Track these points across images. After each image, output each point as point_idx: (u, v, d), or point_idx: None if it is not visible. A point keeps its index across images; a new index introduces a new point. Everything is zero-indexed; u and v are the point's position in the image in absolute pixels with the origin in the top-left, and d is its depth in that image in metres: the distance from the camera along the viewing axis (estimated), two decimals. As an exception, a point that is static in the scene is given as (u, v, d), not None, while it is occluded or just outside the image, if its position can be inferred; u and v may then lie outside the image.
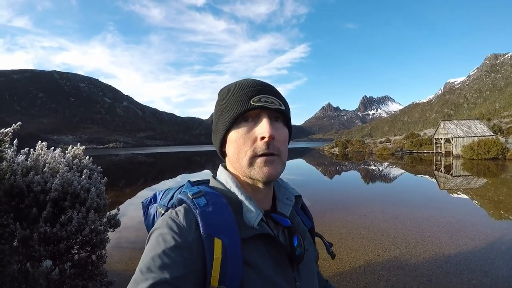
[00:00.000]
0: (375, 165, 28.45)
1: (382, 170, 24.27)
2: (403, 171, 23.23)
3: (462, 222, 8.20)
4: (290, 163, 33.75)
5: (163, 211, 0.83)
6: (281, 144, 0.80)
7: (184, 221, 0.70)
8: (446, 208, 10.11)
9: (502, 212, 9.53)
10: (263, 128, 0.76)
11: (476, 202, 11.24)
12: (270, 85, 0.85)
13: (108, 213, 3.55)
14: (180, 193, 0.83)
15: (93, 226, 2.92)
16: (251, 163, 0.78)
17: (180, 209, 0.74)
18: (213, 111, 0.90)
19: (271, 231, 0.79)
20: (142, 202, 1.00)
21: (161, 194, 0.96)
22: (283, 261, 0.79)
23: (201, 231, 0.68)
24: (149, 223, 0.93)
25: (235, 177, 0.84)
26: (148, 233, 0.79)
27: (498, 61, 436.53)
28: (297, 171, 24.61)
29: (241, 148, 0.78)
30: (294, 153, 56.63)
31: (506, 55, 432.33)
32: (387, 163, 30.70)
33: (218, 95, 0.89)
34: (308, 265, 0.89)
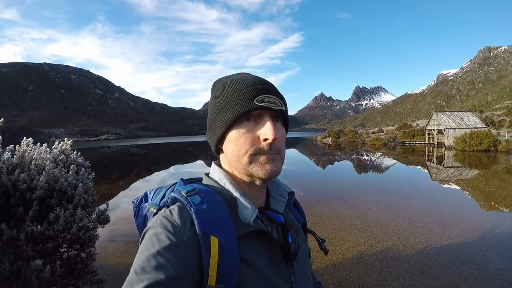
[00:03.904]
0: (367, 155, 28.59)
1: (375, 160, 24.39)
2: (395, 161, 23.39)
3: (454, 213, 8.26)
4: (283, 154, 33.94)
5: (155, 210, 0.81)
6: (281, 143, 0.82)
7: (179, 219, 0.69)
8: (438, 199, 10.19)
9: (493, 203, 9.62)
10: (267, 130, 0.76)
11: (467, 193, 11.34)
12: (271, 83, 0.84)
13: (97, 209, 3.49)
14: (172, 191, 0.82)
15: (81, 224, 2.86)
16: (252, 160, 0.78)
17: (174, 207, 0.73)
18: (206, 101, 0.86)
19: (266, 228, 0.79)
20: (132, 201, 0.97)
21: (152, 192, 0.93)
22: (278, 257, 0.79)
23: (197, 230, 0.67)
24: (140, 223, 0.90)
25: (229, 174, 0.84)
26: (140, 233, 0.80)
27: (491, 54, 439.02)
28: (290, 161, 24.66)
29: (242, 147, 0.77)
30: (287, 143, 55.77)
31: (500, 48, 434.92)
32: (379, 153, 30.84)
33: (213, 89, 0.88)
34: (302, 261, 0.89)
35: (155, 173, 20.18)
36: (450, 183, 13.39)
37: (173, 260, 0.62)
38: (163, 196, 0.87)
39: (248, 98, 0.77)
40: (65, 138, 4.13)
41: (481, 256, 5.52)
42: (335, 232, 6.87)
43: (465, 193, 11.38)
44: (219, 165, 0.88)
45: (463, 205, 9.39)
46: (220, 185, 0.83)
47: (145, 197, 0.95)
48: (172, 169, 22.45)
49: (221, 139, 0.82)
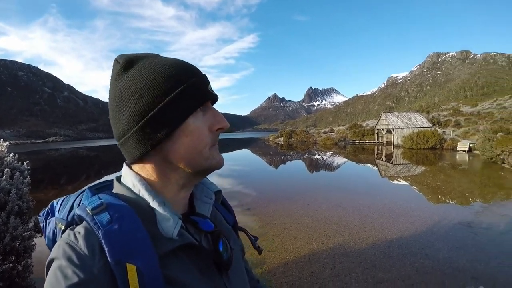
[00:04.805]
0: (319, 155, 29.29)
1: (326, 159, 25.05)
2: (346, 160, 24.15)
3: (402, 207, 8.63)
4: (235, 154, 34.54)
5: (63, 227, 0.67)
6: None
7: (85, 247, 0.55)
8: (387, 195, 10.64)
9: (439, 197, 10.18)
10: (221, 118, 0.71)
11: (415, 188, 11.93)
12: None
13: (34, 217, 3.25)
14: (79, 203, 0.70)
15: (14, 233, 2.63)
16: (210, 152, 0.69)
17: (80, 230, 0.59)
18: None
19: (193, 238, 0.69)
20: (38, 215, 0.80)
21: (59, 204, 0.77)
22: (210, 269, 0.69)
23: (108, 258, 0.54)
24: (50, 242, 0.73)
25: (143, 179, 0.69)
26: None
27: (439, 59, 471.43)
28: (242, 161, 24.94)
29: (203, 139, 0.67)
30: (239, 144, 56.98)
31: (448, 54, 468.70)
32: (330, 152, 31.70)
33: (136, 64, 0.67)
34: (236, 264, 0.79)
35: (105, 176, 19.42)
36: (398, 179, 13.99)
37: None
38: (71, 208, 0.73)
39: (205, 85, 0.69)
40: (6, 142, 3.82)
41: (430, 247, 5.81)
42: (286, 231, 6.93)
43: (413, 188, 11.96)
44: (130, 167, 0.72)
45: (411, 199, 9.86)
46: (134, 192, 0.68)
47: (51, 210, 0.78)
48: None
49: (170, 133, 0.65)
